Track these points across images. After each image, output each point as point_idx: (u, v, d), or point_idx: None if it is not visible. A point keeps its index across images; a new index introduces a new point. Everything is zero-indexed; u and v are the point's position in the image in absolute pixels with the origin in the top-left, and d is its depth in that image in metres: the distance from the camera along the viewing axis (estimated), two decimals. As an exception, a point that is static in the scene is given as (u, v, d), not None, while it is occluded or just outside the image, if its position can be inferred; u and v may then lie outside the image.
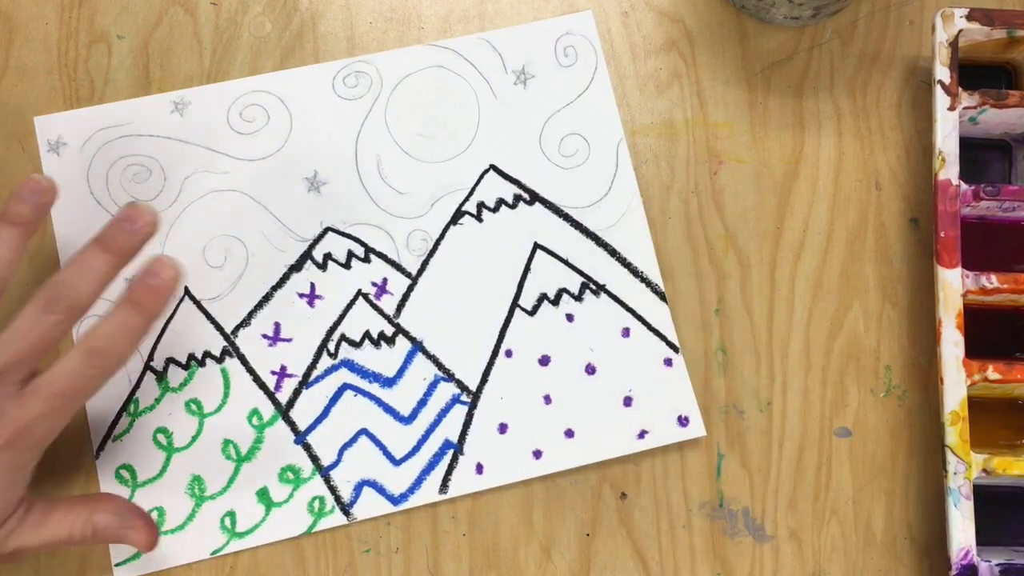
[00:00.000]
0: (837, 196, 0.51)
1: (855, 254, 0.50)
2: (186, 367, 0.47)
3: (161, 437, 0.47)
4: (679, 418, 0.48)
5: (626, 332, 0.49)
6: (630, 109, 0.51)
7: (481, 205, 0.50)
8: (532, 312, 0.49)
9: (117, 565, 0.45)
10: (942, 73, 0.47)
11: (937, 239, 0.46)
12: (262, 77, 0.50)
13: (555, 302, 0.49)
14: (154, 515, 0.46)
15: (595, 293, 0.49)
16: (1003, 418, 0.49)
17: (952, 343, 0.45)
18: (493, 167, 0.50)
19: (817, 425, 0.48)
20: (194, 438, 0.47)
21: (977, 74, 0.50)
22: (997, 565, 0.44)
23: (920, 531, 0.48)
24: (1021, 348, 0.49)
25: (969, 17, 0.48)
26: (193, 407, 0.47)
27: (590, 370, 0.48)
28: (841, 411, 0.49)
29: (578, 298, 0.49)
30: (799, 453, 0.48)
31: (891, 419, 0.49)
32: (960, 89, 0.47)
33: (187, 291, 0.48)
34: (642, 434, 0.47)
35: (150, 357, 0.47)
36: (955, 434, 0.45)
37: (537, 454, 0.47)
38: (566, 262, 0.49)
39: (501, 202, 0.50)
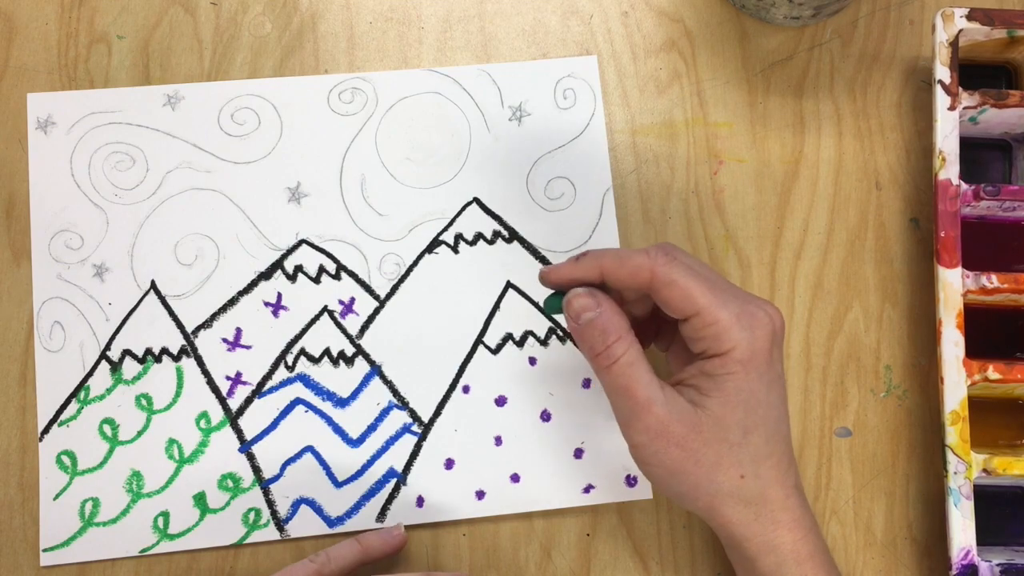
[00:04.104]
0: (837, 196, 0.51)
1: (855, 254, 0.50)
2: (142, 361, 0.47)
3: (107, 428, 0.46)
4: (627, 477, 0.47)
5: (587, 383, 0.48)
6: (630, 109, 0.51)
7: (459, 237, 0.49)
8: (495, 351, 0.48)
9: (46, 551, 0.45)
10: (942, 73, 0.47)
11: (937, 239, 0.46)
12: (259, 81, 0.50)
13: (520, 343, 0.48)
14: (88, 506, 0.46)
15: (561, 340, 0.48)
16: (1003, 418, 0.49)
17: (952, 343, 0.45)
18: (476, 200, 0.49)
19: (817, 425, 0.48)
20: (140, 433, 0.47)
21: (977, 74, 0.50)
22: (997, 565, 0.44)
23: (920, 531, 0.48)
24: (1021, 348, 0.49)
25: (969, 17, 0.48)
26: (143, 402, 0.47)
27: (545, 416, 0.47)
28: (841, 411, 0.49)
29: (543, 342, 0.48)
30: (799, 453, 0.48)
31: (891, 419, 0.49)
32: (960, 89, 0.47)
33: (153, 285, 0.48)
34: (588, 488, 0.47)
35: (107, 347, 0.47)
36: (955, 434, 0.45)
37: (480, 495, 0.47)
38: (536, 305, 0.49)
39: (480, 236, 0.49)
